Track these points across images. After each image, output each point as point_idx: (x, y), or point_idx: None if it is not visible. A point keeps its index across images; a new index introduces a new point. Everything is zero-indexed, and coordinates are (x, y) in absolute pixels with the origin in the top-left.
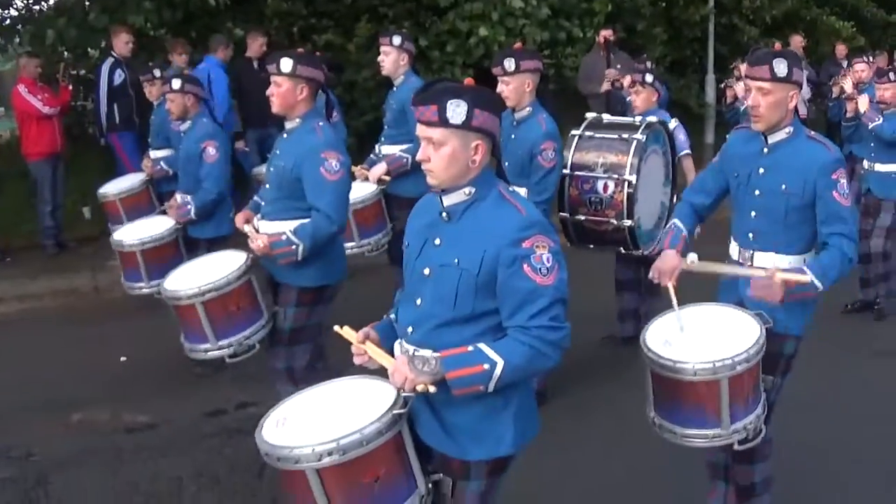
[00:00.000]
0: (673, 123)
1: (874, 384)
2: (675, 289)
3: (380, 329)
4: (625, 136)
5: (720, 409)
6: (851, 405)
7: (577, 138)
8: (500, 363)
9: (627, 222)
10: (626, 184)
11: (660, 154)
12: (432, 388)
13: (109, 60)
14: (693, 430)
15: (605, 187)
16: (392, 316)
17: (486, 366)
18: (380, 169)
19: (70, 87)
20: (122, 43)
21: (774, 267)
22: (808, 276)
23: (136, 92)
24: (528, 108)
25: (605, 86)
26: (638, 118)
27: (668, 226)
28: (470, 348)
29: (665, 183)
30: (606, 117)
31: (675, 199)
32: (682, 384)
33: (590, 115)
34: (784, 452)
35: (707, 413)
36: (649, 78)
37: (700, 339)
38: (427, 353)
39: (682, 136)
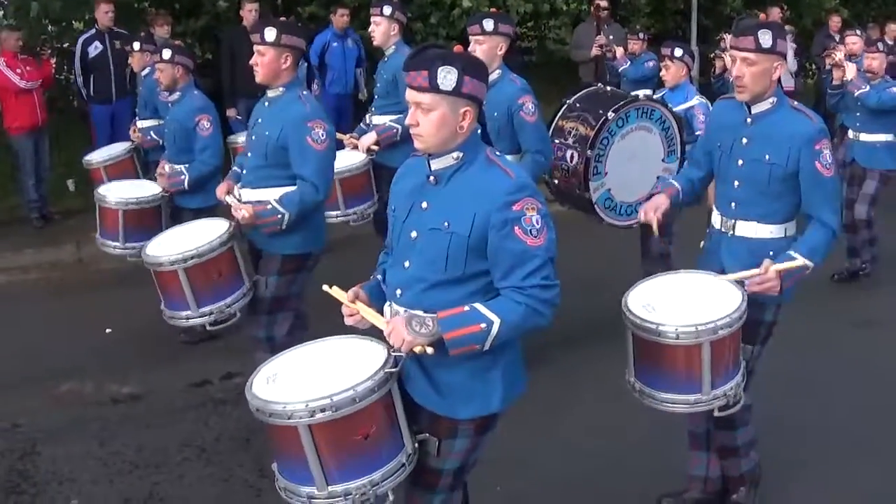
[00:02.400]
0: (694, 101)
1: (852, 355)
2: (658, 223)
3: (368, 289)
4: (601, 111)
5: (701, 373)
6: (829, 376)
7: (564, 106)
8: (497, 322)
9: (586, 194)
10: (585, 157)
11: (653, 132)
12: (430, 350)
13: (88, 32)
14: (674, 394)
15: (572, 157)
16: (379, 277)
17: (484, 325)
18: (369, 138)
19: (52, 61)
20: (103, 13)
21: (766, 262)
22: (799, 261)
23: (118, 64)
24: (497, 71)
25: (595, 51)
26: (641, 92)
27: None
28: (466, 308)
29: (667, 159)
30: (609, 89)
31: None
32: (663, 348)
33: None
34: (760, 424)
35: (688, 378)
36: (679, 52)
37: (682, 304)
38: (419, 312)
39: (700, 117)
